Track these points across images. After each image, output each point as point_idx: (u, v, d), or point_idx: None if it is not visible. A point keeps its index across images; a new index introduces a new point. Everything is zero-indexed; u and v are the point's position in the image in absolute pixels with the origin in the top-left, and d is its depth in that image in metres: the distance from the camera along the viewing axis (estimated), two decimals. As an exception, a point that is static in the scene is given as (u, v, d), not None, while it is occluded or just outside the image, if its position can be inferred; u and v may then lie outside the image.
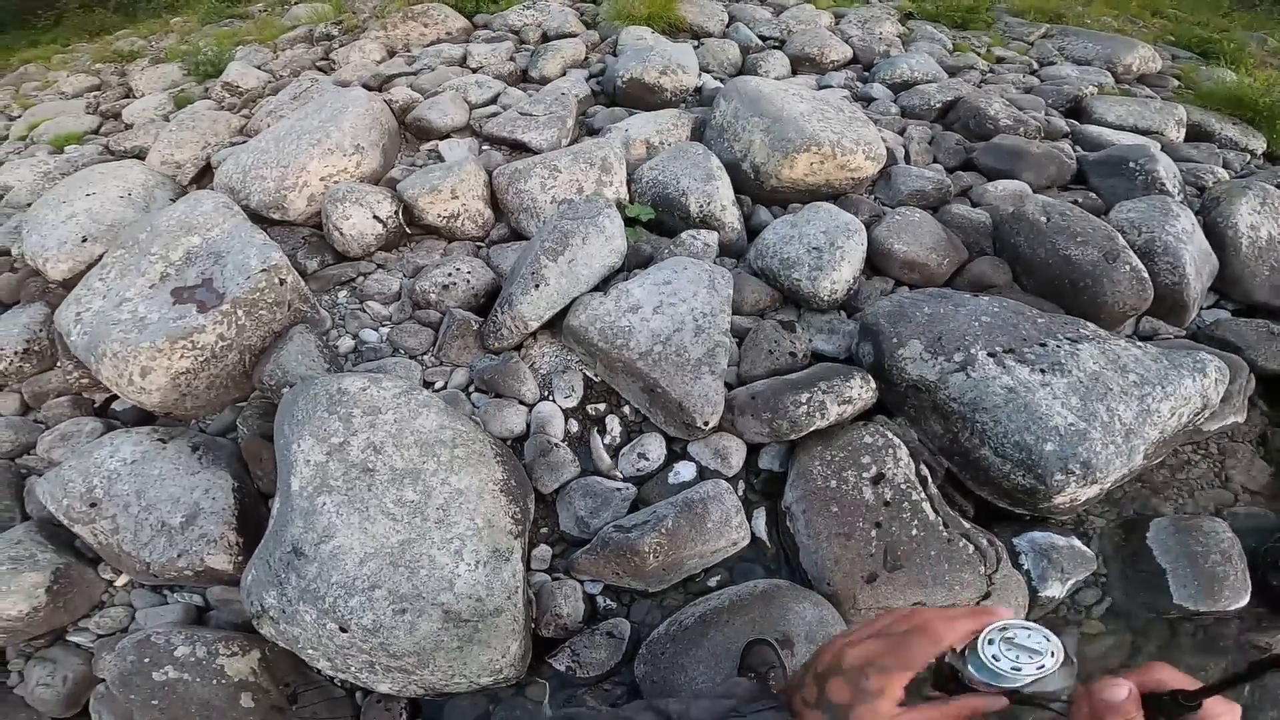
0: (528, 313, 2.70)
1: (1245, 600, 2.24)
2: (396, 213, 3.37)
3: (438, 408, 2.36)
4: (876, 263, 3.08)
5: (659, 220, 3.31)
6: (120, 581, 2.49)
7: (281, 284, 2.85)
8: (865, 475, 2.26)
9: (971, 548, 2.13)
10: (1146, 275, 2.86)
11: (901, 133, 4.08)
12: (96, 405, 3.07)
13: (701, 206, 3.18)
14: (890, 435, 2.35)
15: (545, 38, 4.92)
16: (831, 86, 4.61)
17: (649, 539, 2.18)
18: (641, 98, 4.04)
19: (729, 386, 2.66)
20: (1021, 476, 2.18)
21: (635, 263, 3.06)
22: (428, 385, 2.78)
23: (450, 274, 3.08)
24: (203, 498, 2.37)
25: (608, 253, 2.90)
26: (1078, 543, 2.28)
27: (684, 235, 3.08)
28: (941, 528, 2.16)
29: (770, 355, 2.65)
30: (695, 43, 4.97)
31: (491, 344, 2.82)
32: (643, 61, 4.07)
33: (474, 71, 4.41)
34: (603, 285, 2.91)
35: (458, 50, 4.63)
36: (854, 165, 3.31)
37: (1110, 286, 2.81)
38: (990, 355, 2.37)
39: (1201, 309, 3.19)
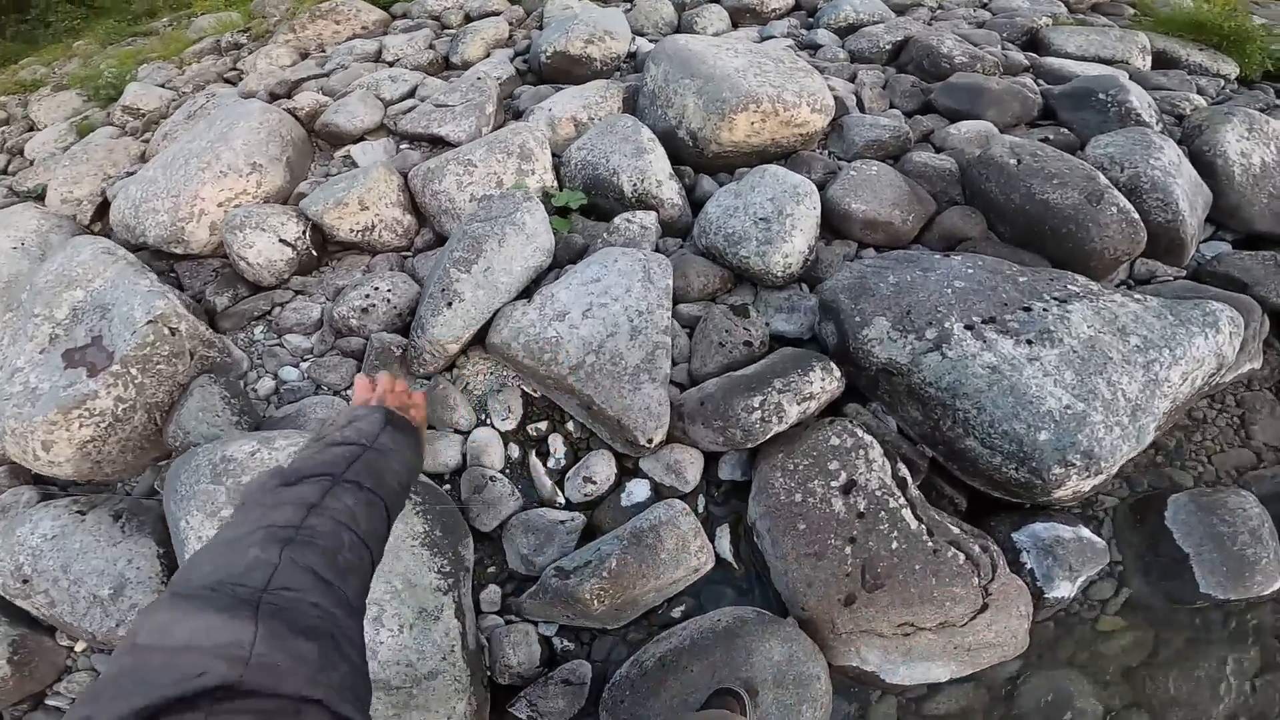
0: (442, 335, 2.27)
1: (1277, 585, 1.86)
2: (305, 233, 2.91)
3: None
4: (835, 225, 2.62)
5: (593, 205, 2.84)
6: (79, 647, 2.22)
7: (173, 334, 2.42)
8: (834, 485, 1.85)
9: (962, 557, 1.73)
10: (1136, 215, 2.41)
11: (852, 79, 3.58)
12: (33, 472, 2.71)
13: (635, 185, 2.71)
14: (860, 434, 1.93)
15: (468, 19, 4.37)
16: (775, 36, 4.09)
17: (589, 585, 1.80)
18: (569, 72, 3.53)
19: (681, 387, 2.25)
20: (1014, 470, 1.78)
21: (568, 258, 2.62)
22: None
23: (368, 295, 2.62)
24: (126, 568, 2.04)
25: (531, 253, 2.46)
26: (1087, 533, 1.88)
27: (618, 220, 2.63)
28: (925, 537, 1.76)
29: (722, 348, 2.23)
30: (627, 5, 4.42)
31: (416, 370, 2.40)
32: (566, 32, 3.54)
33: (390, 65, 3.89)
34: (531, 289, 2.47)
35: (372, 45, 4.09)
36: (799, 120, 2.83)
37: (1097, 231, 2.37)
38: (968, 328, 1.94)
39: (1199, 244, 2.75)
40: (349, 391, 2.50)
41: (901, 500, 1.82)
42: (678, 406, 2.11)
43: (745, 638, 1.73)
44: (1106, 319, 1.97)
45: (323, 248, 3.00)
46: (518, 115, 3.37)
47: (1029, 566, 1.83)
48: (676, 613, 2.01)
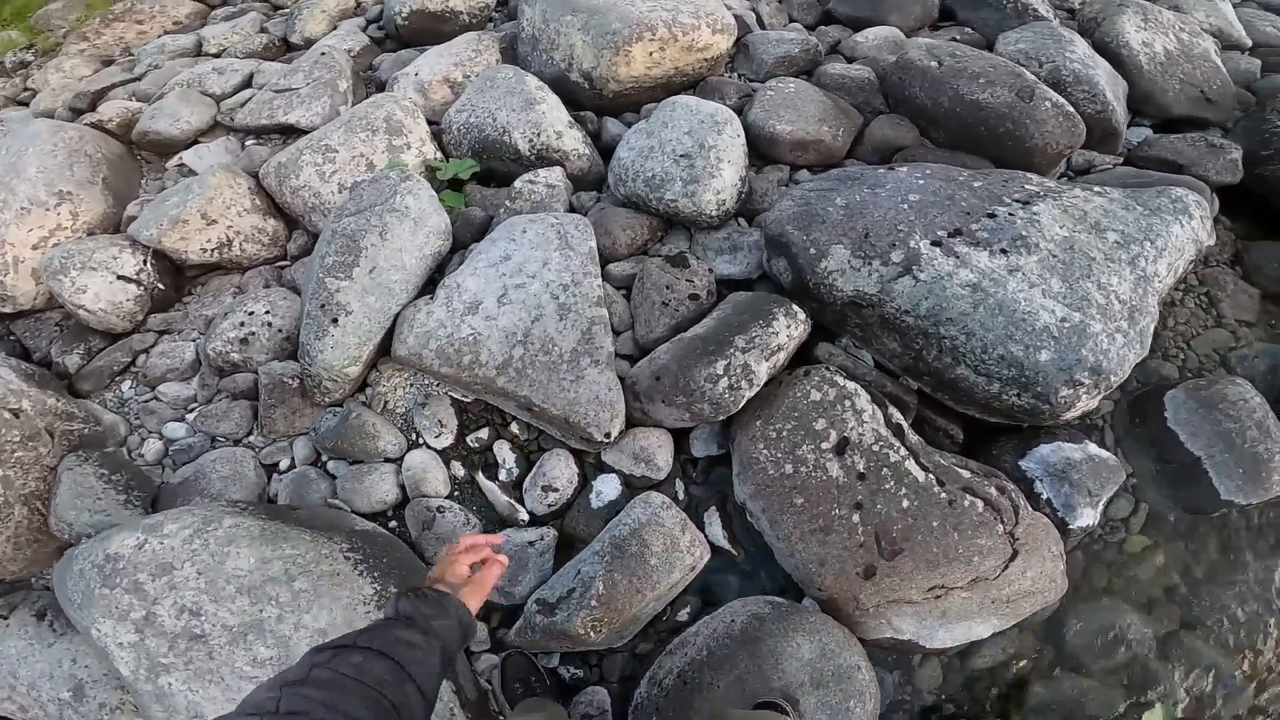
0: (335, 360, 1.81)
1: None
2: (147, 264, 2.31)
3: (252, 536, 1.55)
4: (762, 150, 2.29)
5: (489, 172, 2.39)
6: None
7: (16, 416, 1.87)
8: (825, 446, 1.56)
9: (981, 505, 1.49)
10: (1071, 109, 2.23)
11: (746, -3, 3.23)
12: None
13: (531, 140, 2.27)
14: (842, 382, 1.64)
15: (304, -9, 3.68)
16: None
17: (580, 618, 1.48)
18: (434, 30, 2.98)
19: (629, 359, 1.89)
20: (1016, 397, 1.54)
21: (471, 236, 2.17)
22: (269, 469, 1.93)
23: (243, 322, 2.10)
24: (75, 668, 1.71)
25: (423, 240, 2.00)
26: (1096, 449, 1.67)
27: (519, 184, 2.19)
28: (937, 488, 1.50)
29: (666, 308, 1.87)
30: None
31: (320, 400, 1.93)
32: (421, -15, 2.98)
33: (215, 57, 3.20)
34: (436, 281, 2.02)
35: (188, 39, 3.36)
36: (702, 44, 2.45)
37: (1036, 127, 2.15)
38: (935, 244, 1.67)
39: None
40: (250, 439, 2.02)
41: (902, 451, 1.55)
42: (630, 385, 1.76)
43: (768, 640, 1.44)
44: (1077, 217, 1.74)
45: (178, 274, 2.41)
46: (381, 87, 2.82)
47: (1046, 497, 1.61)
48: (683, 615, 1.71)
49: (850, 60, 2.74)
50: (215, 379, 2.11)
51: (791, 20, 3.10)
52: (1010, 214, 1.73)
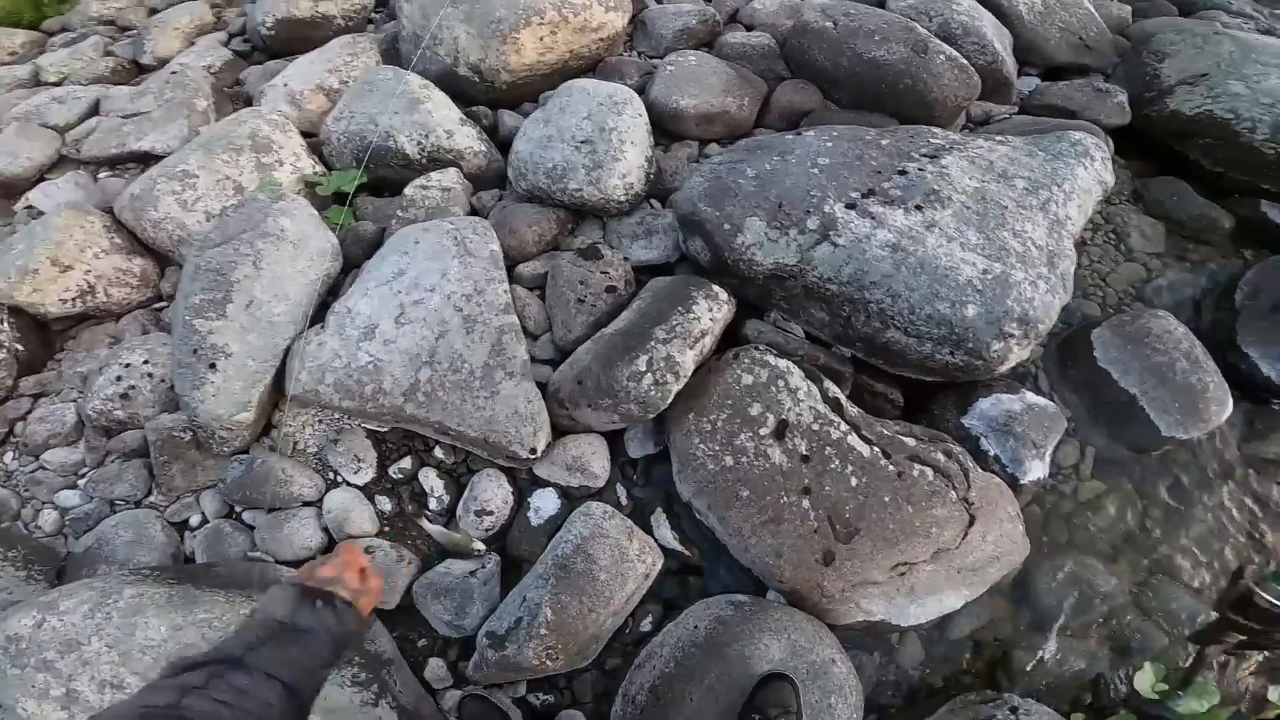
0: (220, 409, 1.59)
1: (1231, 406, 1.72)
2: (3, 323, 2.00)
3: (158, 604, 1.39)
4: (667, 127, 2.17)
5: (379, 181, 2.16)
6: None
7: None
8: (763, 432, 1.45)
9: (930, 472, 1.41)
10: (964, 61, 2.20)
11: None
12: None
13: (420, 143, 2.07)
14: (773, 360, 1.53)
15: (153, 12, 3.30)
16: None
17: (532, 649, 1.35)
18: (306, 38, 2.70)
19: (552, 364, 1.74)
20: (949, 355, 1.47)
21: (363, 253, 1.94)
22: (179, 527, 1.72)
23: (120, 376, 1.83)
24: None
25: (306, 265, 1.78)
26: (1035, 398, 1.62)
27: (410, 190, 1.99)
28: (884, 460, 1.41)
29: (582, 304, 1.72)
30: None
31: (219, 451, 1.70)
32: (284, -11, 2.70)
33: (56, 85, 2.82)
34: (326, 305, 1.80)
35: (23, 70, 2.95)
36: (596, 23, 2.30)
37: (934, 81, 2.12)
38: (850, 207, 1.58)
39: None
40: (152, 499, 1.78)
41: (843, 426, 1.45)
42: (553, 392, 1.61)
43: (734, 645, 1.32)
44: (984, 167, 1.69)
45: (43, 330, 2.10)
46: (249, 102, 2.54)
47: (993, 454, 1.55)
48: (646, 624, 1.58)
49: (750, 29, 2.64)
50: (102, 440, 1.86)
51: (686, -7, 2.98)
52: (920, 169, 1.67)
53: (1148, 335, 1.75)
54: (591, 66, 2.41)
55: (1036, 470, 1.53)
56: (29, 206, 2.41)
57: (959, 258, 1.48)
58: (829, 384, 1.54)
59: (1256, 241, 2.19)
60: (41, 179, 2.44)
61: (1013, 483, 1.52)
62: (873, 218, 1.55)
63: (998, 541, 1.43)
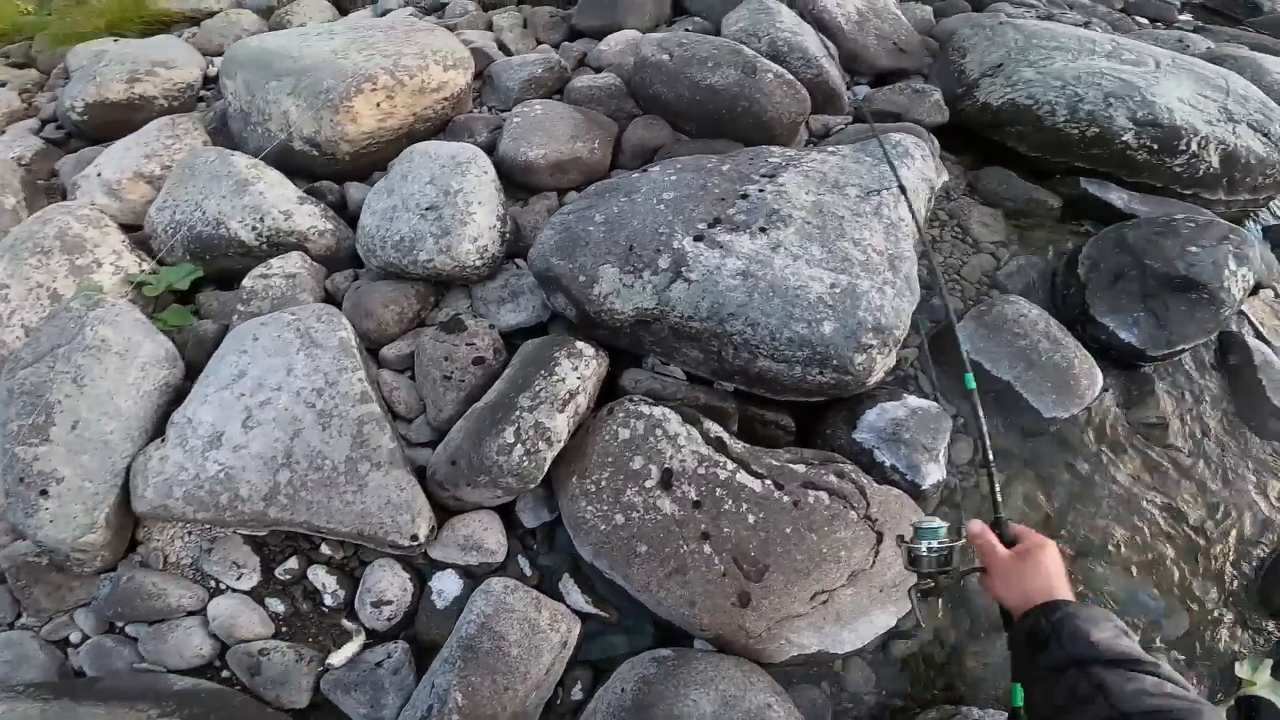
0: (62, 534, 1.44)
1: (1100, 377, 1.78)
2: None
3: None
4: (522, 181, 2.12)
5: (224, 272, 1.99)
6: None
7: None
8: (649, 484, 1.40)
9: (826, 496, 1.40)
10: (791, 76, 2.29)
11: (489, 27, 3.06)
12: None
13: (254, 227, 1.91)
14: (647, 410, 1.49)
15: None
16: (393, 9, 3.39)
17: None
18: (125, 122, 2.47)
19: (431, 445, 1.63)
20: (819, 374, 1.48)
21: (205, 354, 1.74)
22: (60, 644, 1.60)
23: None
24: None
25: (138, 375, 1.59)
26: (917, 401, 1.63)
27: (248, 282, 1.82)
28: (777, 492, 1.39)
29: (450, 381, 1.63)
30: (191, 30, 3.34)
31: (82, 571, 1.55)
32: (95, 77, 2.46)
33: None
34: (169, 414, 1.61)
35: None
36: (435, 83, 2.23)
37: (766, 100, 2.19)
38: (698, 240, 1.58)
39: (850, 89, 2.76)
40: (24, 621, 1.61)
41: (729, 465, 1.43)
42: (431, 475, 1.50)
43: (661, 705, 1.25)
44: (818, 179, 1.74)
45: None
46: (65, 195, 2.28)
47: (889, 464, 1.54)
48: (577, 692, 1.48)
49: (598, 70, 2.66)
50: None
51: (539, 43, 2.98)
52: (760, 190, 1.70)
53: (1005, 321, 1.82)
54: (441, 127, 2.34)
55: (934, 473, 1.53)
56: None
57: (806, 275, 1.51)
58: (709, 424, 1.51)
59: (1083, 217, 2.33)
60: None
61: (914, 490, 1.52)
62: (721, 247, 1.56)
63: None
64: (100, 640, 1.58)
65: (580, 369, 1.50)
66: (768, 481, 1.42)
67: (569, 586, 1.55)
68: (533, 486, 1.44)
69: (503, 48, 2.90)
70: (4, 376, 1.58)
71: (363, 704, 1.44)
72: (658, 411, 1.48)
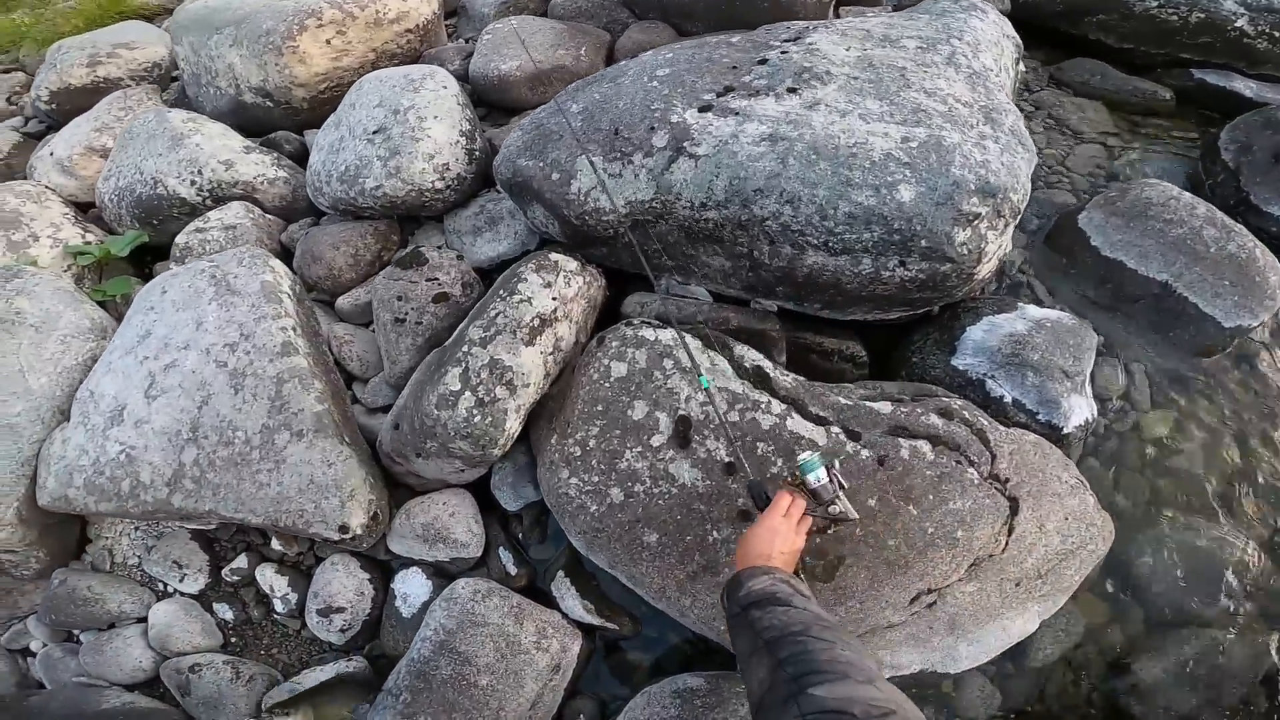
0: None
1: None
2: None
3: None
4: (499, 100, 1.72)
5: (168, 238, 1.65)
6: None
7: None
8: (656, 441, 0.93)
9: (927, 448, 0.89)
10: None
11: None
12: None
13: (194, 182, 1.56)
14: (652, 335, 1.02)
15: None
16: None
17: None
18: (88, 106, 2.21)
19: (385, 409, 1.23)
20: (901, 266, 0.98)
21: (145, 330, 1.43)
22: (22, 654, 1.40)
23: None
24: None
25: (56, 350, 1.28)
26: (1043, 311, 1.10)
27: (182, 238, 1.48)
28: (851, 445, 0.90)
29: (406, 325, 1.20)
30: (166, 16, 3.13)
31: (20, 575, 1.32)
32: (56, 65, 2.22)
33: None
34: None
35: None
36: (394, 13, 1.84)
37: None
38: (705, 110, 1.10)
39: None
40: None
41: (775, 407, 0.93)
42: (380, 447, 1.09)
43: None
44: (859, 36, 1.25)
45: None
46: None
47: (1010, 398, 1.01)
48: None
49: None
50: None
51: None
52: (783, 53, 1.21)
53: (1150, 207, 1.25)
54: (411, 63, 1.95)
55: (1081, 409, 0.99)
56: None
57: (863, 130, 1.02)
58: (742, 349, 1.02)
59: (1204, 107, 1.76)
60: None
61: (1054, 434, 0.99)
62: (736, 114, 1.08)
63: (1064, 528, 0.91)
64: (49, 650, 1.35)
65: (557, 287, 1.05)
66: (835, 430, 0.92)
67: (564, 589, 1.10)
68: (497, 453, 1.00)
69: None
70: None
71: None
72: (666, 335, 1.00)
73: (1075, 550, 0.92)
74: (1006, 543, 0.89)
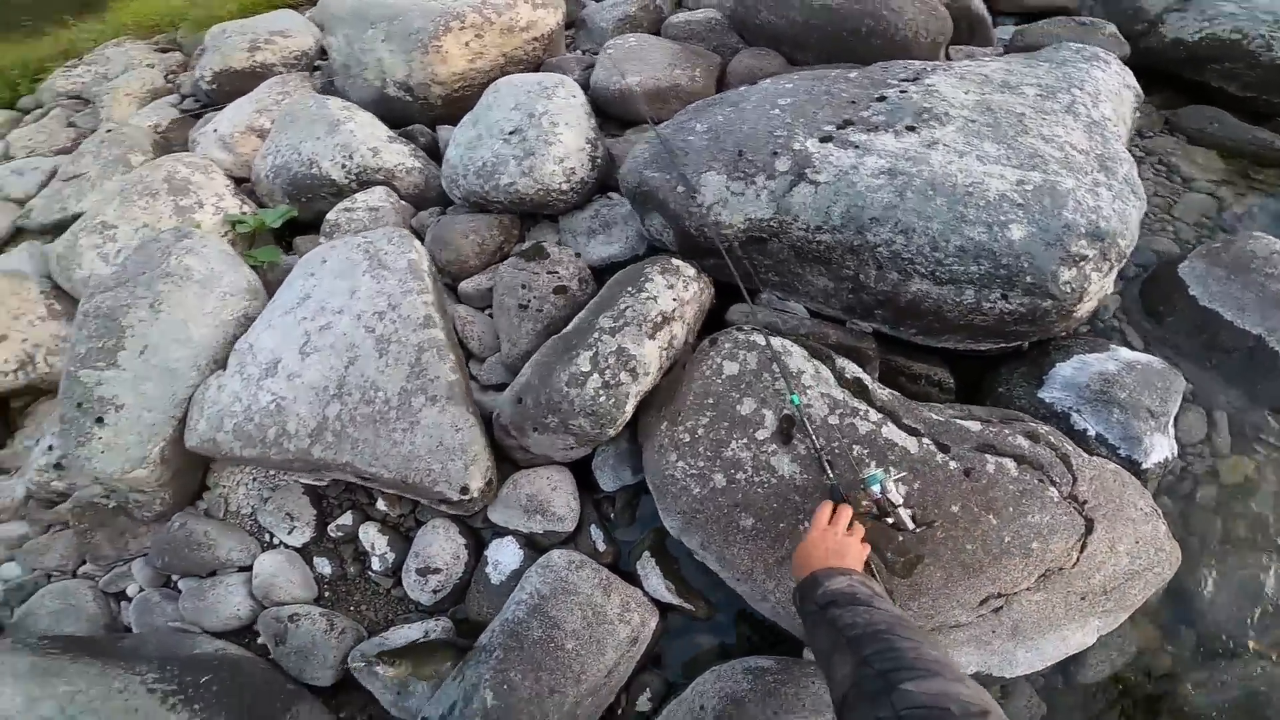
0: (111, 467, 1.28)
1: None
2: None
3: (17, 674, 1.13)
4: (616, 112, 1.82)
5: (316, 216, 1.82)
6: None
7: None
8: (761, 435, 0.99)
9: (1012, 465, 0.93)
10: None
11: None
12: None
13: (344, 165, 1.73)
14: (763, 341, 1.07)
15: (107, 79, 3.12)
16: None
17: None
18: (246, 88, 2.43)
19: (498, 388, 1.34)
20: (1003, 299, 1.02)
21: (289, 291, 1.59)
22: (117, 596, 1.47)
23: (52, 445, 1.56)
24: None
25: (218, 304, 1.43)
26: (1134, 354, 1.13)
27: (332, 214, 1.63)
28: (940, 455, 0.95)
29: (526, 310, 1.31)
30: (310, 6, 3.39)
31: (142, 516, 1.41)
32: (219, 48, 2.46)
33: (24, 159, 2.61)
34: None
35: (-3, 147, 2.77)
36: (524, 22, 1.97)
37: (896, 17, 1.73)
38: (826, 140, 1.16)
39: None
40: (87, 566, 1.51)
41: (872, 415, 0.99)
42: (497, 419, 1.19)
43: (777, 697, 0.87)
44: (978, 81, 1.28)
45: (4, 407, 1.85)
46: (192, 155, 2.25)
47: (1094, 433, 1.05)
48: (644, 702, 1.12)
49: (693, 9, 2.30)
50: (43, 511, 1.61)
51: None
52: (902, 92, 1.26)
53: (1253, 260, 1.25)
54: (533, 69, 2.07)
55: (1161, 448, 1.03)
56: (-22, 286, 2.13)
57: (979, 171, 1.05)
58: (844, 362, 1.08)
59: None
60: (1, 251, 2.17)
61: (1133, 468, 1.02)
62: (856, 147, 1.14)
63: (1133, 550, 0.95)
64: (147, 594, 1.42)
65: (677, 289, 1.13)
66: (926, 441, 0.97)
67: (649, 568, 1.17)
68: (611, 433, 1.08)
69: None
70: (83, 300, 1.48)
71: (389, 690, 1.17)
72: (776, 342, 1.07)
73: (1142, 572, 0.96)
74: (1078, 558, 0.92)
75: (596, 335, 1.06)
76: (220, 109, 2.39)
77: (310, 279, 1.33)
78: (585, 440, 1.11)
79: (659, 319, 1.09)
